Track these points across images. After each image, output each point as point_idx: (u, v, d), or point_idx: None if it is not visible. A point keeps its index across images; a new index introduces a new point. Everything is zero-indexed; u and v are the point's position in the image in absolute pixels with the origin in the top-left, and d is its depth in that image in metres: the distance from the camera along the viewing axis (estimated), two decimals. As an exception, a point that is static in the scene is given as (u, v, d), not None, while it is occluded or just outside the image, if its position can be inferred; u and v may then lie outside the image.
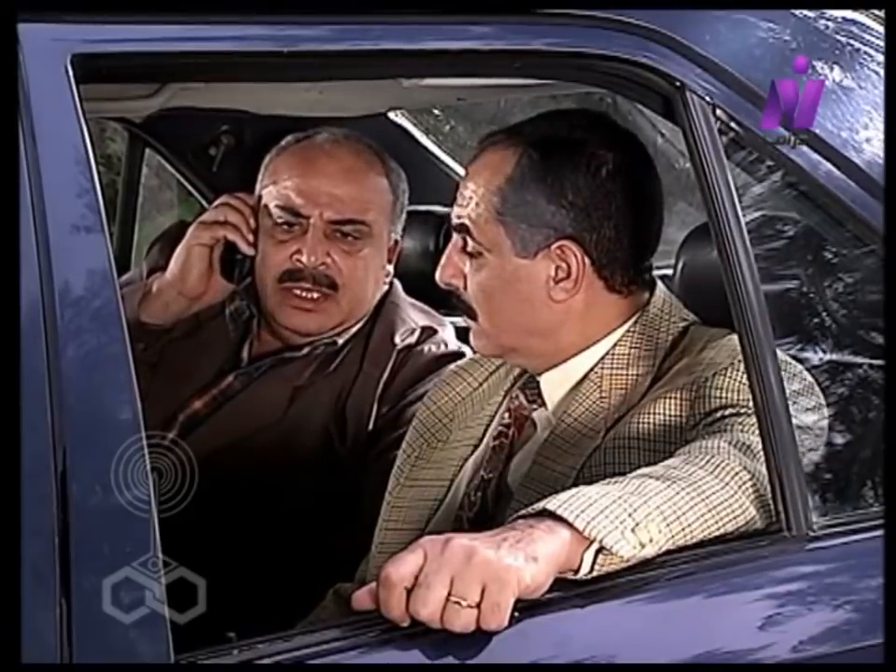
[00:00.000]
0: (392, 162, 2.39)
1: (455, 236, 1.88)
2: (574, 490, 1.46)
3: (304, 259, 2.27)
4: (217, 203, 2.36)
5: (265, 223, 2.32)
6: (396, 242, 2.40)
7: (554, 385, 1.87)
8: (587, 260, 1.81)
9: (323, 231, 2.28)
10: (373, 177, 2.34)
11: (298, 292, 2.29)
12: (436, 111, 6.22)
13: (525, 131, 1.87)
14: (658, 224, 1.89)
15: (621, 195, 1.82)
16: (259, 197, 2.34)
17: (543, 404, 1.88)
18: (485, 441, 1.93)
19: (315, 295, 2.29)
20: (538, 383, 1.89)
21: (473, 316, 1.87)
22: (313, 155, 2.33)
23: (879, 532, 1.59)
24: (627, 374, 1.84)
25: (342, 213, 2.29)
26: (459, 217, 1.86)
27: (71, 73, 1.37)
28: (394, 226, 2.38)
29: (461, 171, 2.96)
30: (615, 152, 1.84)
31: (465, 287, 1.87)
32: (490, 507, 1.86)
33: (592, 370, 1.85)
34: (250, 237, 2.31)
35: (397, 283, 2.44)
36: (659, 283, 1.92)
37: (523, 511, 1.45)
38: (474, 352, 2.16)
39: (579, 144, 1.83)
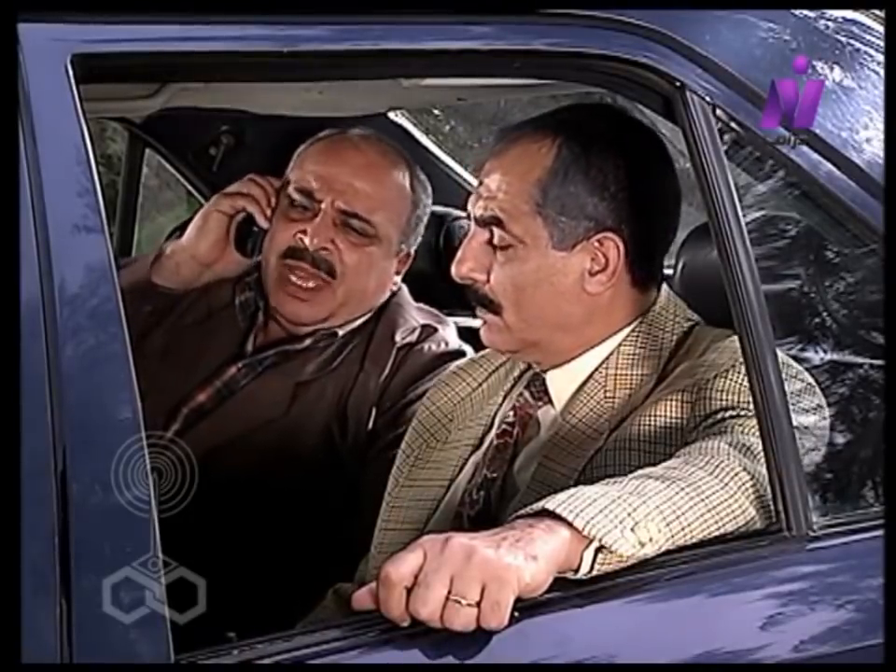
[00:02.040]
0: (421, 175, 2.40)
1: (478, 229, 1.85)
2: (573, 490, 1.46)
3: (307, 239, 2.28)
4: (244, 178, 2.39)
5: (283, 202, 2.34)
6: (408, 254, 2.40)
7: (561, 383, 1.87)
8: (622, 254, 1.82)
9: (332, 218, 2.29)
10: (395, 179, 2.35)
11: (294, 278, 2.30)
12: (436, 111, 6.22)
13: (557, 123, 1.86)
14: (678, 218, 1.90)
15: (654, 187, 1.84)
16: (284, 182, 2.36)
17: (549, 402, 1.88)
18: (489, 439, 1.92)
19: (311, 284, 2.30)
20: (543, 380, 1.89)
21: (496, 310, 1.85)
22: (341, 146, 2.35)
23: (879, 532, 1.59)
24: (632, 375, 1.83)
25: (351, 205, 2.30)
26: (487, 210, 1.83)
27: (71, 73, 1.37)
28: (406, 237, 2.37)
29: (461, 171, 2.97)
30: (646, 144, 1.86)
31: (487, 282, 1.84)
32: (493, 506, 1.86)
33: (597, 369, 1.85)
34: (268, 212, 2.34)
35: (402, 285, 2.44)
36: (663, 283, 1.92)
37: (522, 511, 1.45)
38: (476, 351, 2.16)
39: (615, 136, 1.84)
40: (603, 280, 1.82)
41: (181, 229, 2.56)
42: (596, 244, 1.81)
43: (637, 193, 1.82)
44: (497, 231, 1.83)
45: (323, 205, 2.29)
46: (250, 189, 2.35)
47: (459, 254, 1.87)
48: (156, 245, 2.67)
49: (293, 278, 2.30)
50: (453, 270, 1.88)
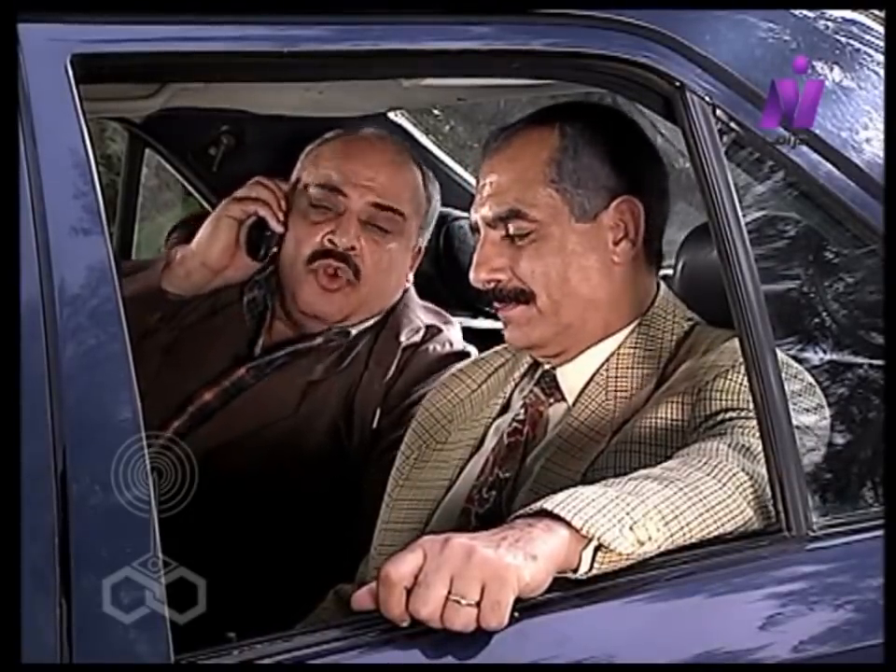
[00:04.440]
0: (430, 173, 2.42)
1: (489, 230, 1.87)
2: (571, 490, 1.46)
3: (337, 240, 2.28)
4: (251, 181, 2.37)
5: (300, 204, 2.34)
6: (420, 249, 2.41)
7: (573, 379, 1.88)
8: (642, 216, 1.85)
9: (358, 214, 2.29)
10: (413, 175, 2.37)
11: (325, 272, 2.30)
12: (436, 111, 6.22)
13: (551, 112, 1.92)
14: (669, 197, 1.94)
15: (654, 162, 1.91)
16: (295, 182, 2.36)
17: (562, 398, 1.89)
18: (497, 438, 1.92)
19: (339, 277, 2.30)
20: (553, 377, 1.90)
21: (527, 299, 1.85)
22: (357, 144, 2.36)
23: (879, 532, 1.59)
24: (632, 377, 1.84)
25: (383, 197, 2.30)
26: (500, 206, 1.85)
27: (71, 73, 1.37)
28: (422, 231, 2.39)
29: (461, 171, 2.97)
30: (631, 128, 1.92)
31: (512, 277, 1.85)
32: (503, 505, 1.85)
33: (597, 371, 1.85)
34: (280, 215, 2.33)
35: (409, 285, 2.44)
36: (661, 282, 1.93)
37: (521, 511, 1.45)
38: (480, 351, 2.15)
39: (608, 117, 1.91)
40: (627, 248, 1.85)
41: (179, 227, 2.56)
42: (616, 210, 1.84)
43: (643, 159, 1.89)
44: (513, 223, 1.84)
45: (350, 201, 2.29)
46: (260, 193, 2.33)
47: (476, 259, 1.88)
48: (156, 245, 2.67)
49: (321, 274, 2.30)
50: (472, 277, 1.88)
